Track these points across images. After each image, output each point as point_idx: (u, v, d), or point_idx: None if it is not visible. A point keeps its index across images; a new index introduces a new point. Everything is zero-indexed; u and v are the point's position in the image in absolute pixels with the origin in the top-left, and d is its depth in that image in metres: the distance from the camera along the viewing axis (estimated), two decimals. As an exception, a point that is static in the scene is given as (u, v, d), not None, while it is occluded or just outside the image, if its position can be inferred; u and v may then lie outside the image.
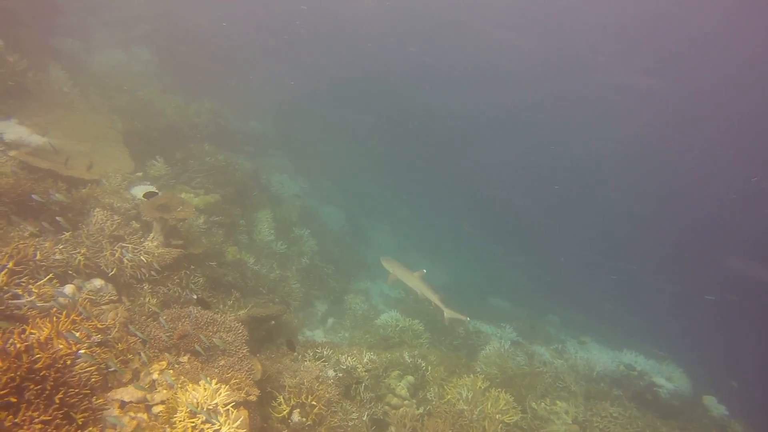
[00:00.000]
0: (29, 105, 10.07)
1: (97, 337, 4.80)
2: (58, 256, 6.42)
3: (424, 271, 10.06)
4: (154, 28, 22.06)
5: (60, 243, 6.67)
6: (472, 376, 9.11)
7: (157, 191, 8.74)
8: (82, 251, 6.58)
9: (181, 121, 14.01)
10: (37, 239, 6.31)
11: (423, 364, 9.07)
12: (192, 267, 7.74)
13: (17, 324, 4.87)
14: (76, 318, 5.05)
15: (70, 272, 6.56)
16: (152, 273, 6.92)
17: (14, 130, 7.90)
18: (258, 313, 7.81)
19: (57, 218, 6.81)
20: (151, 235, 7.40)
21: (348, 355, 7.99)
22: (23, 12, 12.72)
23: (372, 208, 29.23)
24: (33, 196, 5.25)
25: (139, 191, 8.54)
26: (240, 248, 11.45)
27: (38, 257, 5.69)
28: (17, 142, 7.82)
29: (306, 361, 7.52)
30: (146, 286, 6.92)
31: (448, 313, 10.03)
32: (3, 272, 5.09)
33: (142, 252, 6.91)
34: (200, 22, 24.02)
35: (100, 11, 21.27)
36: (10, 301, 5.12)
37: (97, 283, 6.57)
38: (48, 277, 5.44)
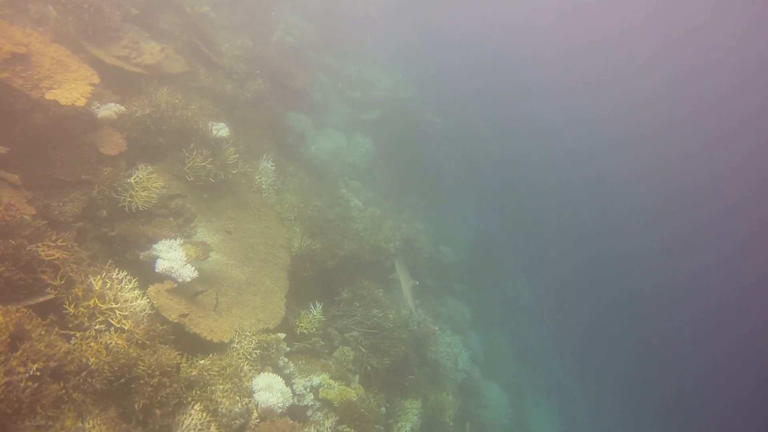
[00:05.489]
0: (218, 203, 9.57)
1: None
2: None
3: (416, 283, 11.85)
4: (385, 114, 22.67)
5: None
6: None
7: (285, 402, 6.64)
8: None
9: (367, 244, 12.55)
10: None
11: None
12: None
13: None
14: None
15: None
16: None
17: (170, 256, 6.87)
18: None
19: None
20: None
21: None
22: (271, 95, 13.32)
23: (540, 379, 24.42)
24: None
25: (262, 383, 6.56)
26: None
27: None
28: (164, 274, 6.71)
29: None
30: None
31: (413, 311, 11.83)
32: None
33: None
34: (432, 119, 24.08)
35: (345, 89, 22.92)
36: None
37: None
38: None
